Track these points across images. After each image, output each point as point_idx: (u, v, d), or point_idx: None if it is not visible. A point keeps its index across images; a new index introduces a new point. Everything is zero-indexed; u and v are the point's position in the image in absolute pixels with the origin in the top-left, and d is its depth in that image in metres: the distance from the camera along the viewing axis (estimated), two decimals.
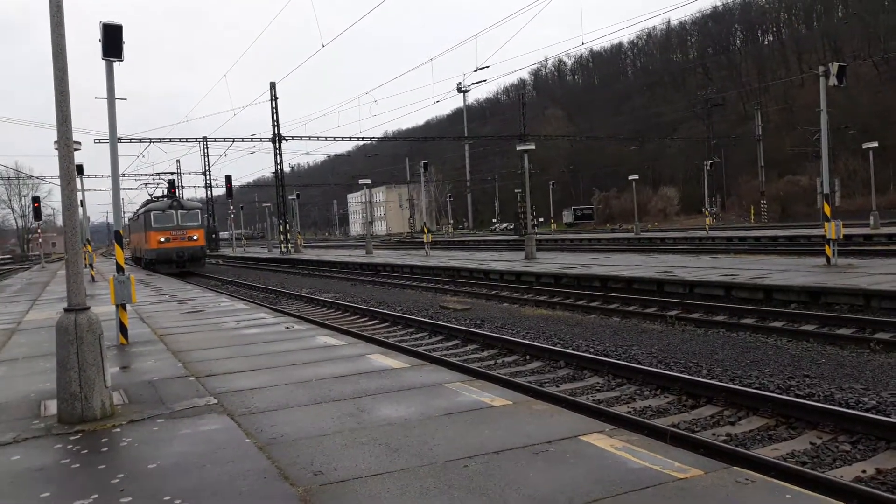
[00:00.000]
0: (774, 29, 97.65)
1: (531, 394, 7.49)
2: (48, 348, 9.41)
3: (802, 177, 65.06)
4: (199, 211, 39.20)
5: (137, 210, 46.18)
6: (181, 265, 36.16)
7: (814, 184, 54.56)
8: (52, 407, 6.54)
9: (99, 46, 10.07)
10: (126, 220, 46.34)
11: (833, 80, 18.29)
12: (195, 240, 37.16)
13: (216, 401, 6.75)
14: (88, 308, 6.36)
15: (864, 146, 38.56)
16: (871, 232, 31.90)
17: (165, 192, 41.89)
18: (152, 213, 36.98)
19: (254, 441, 5.35)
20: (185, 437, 5.59)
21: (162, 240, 36.37)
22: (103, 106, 10.97)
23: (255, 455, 5.02)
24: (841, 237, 18.45)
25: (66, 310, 6.30)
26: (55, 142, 6.85)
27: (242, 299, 20.17)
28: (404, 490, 4.21)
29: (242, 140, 57.22)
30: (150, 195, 44.12)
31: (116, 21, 10.27)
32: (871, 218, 35.68)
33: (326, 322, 15.31)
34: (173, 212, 36.92)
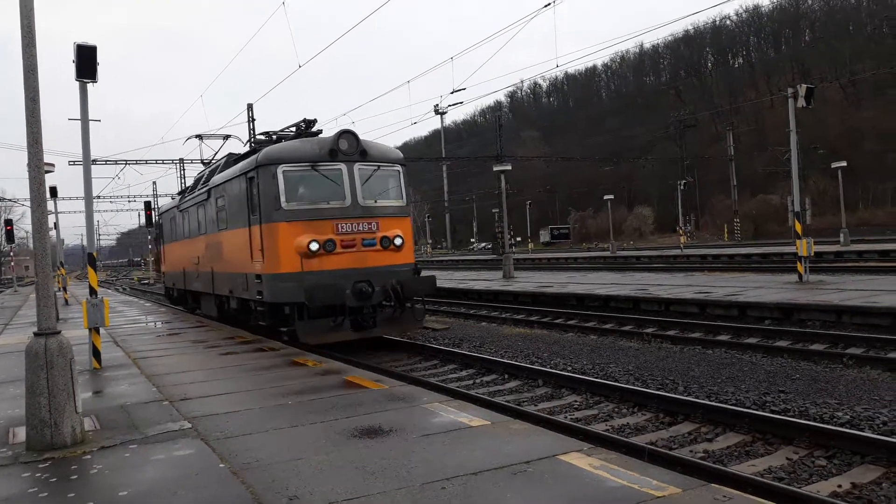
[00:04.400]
0: (744, 52, 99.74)
1: (510, 413, 7.46)
2: (18, 373, 9.21)
3: (774, 196, 66.13)
4: (398, 170, 13.60)
5: (204, 175, 18.51)
6: (365, 320, 12.71)
7: (785, 202, 55.44)
8: (21, 434, 6.38)
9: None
10: (157, 216, 28.02)
11: (801, 102, 18.69)
12: (396, 247, 12.94)
13: (190, 425, 6.63)
14: (59, 332, 6.24)
15: (833, 165, 39.41)
16: (842, 249, 32.45)
17: (300, 124, 14.43)
18: (280, 173, 12.40)
19: (228, 466, 5.26)
20: (158, 462, 5.48)
21: (311, 246, 12.10)
22: (78, 127, 10.86)
23: (229, 480, 4.93)
24: (812, 254, 18.74)
25: (35, 334, 6.18)
26: (27, 164, 6.76)
27: (219, 321, 19.91)
28: None
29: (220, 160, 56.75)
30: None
31: (91, 43, 10.23)
32: (841, 235, 36.33)
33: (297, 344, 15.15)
34: (341, 168, 12.72)
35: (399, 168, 13.42)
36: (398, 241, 12.81)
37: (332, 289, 11.67)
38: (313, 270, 11.93)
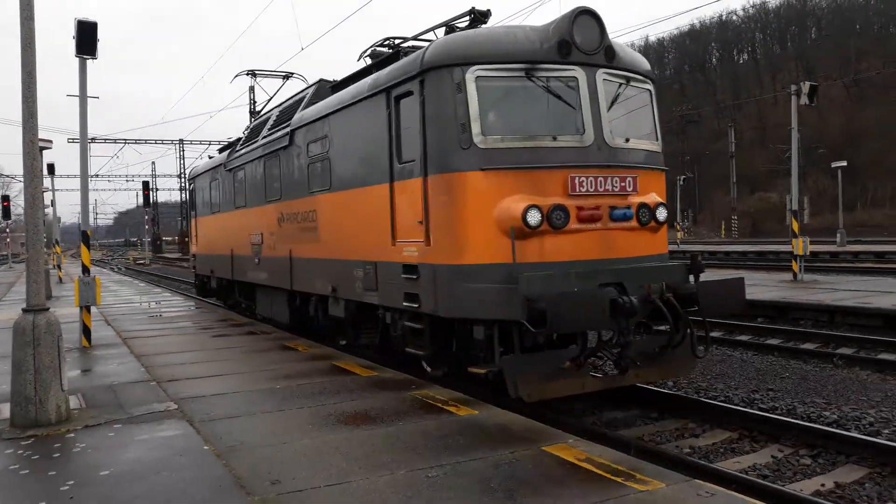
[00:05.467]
0: (750, 48, 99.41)
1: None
2: (5, 350, 9.19)
3: (773, 194, 66.08)
4: (650, 90, 7.84)
5: (271, 116, 13.19)
6: (611, 355, 7.38)
7: (784, 201, 55.48)
8: (6, 410, 6.36)
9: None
10: (188, 180, 20.62)
11: (805, 99, 18.63)
12: (658, 223, 7.46)
13: (176, 406, 6.62)
14: (47, 309, 6.22)
15: (833, 165, 39.37)
16: (838, 249, 32.46)
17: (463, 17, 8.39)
18: (472, 81, 6.79)
19: (212, 448, 5.25)
20: (142, 443, 5.47)
21: (528, 217, 6.50)
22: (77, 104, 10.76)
23: (212, 463, 4.92)
24: (808, 253, 18.72)
25: (24, 310, 6.15)
26: (22, 139, 6.71)
27: (211, 304, 19.89)
28: (365, 501, 4.15)
29: (219, 142, 56.71)
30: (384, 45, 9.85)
31: (92, 19, 10.15)
32: (838, 235, 36.34)
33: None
34: (578, 75, 7.00)
35: (651, 87, 7.87)
36: (661, 214, 7.40)
37: (588, 301, 6.17)
38: (532, 262, 6.54)
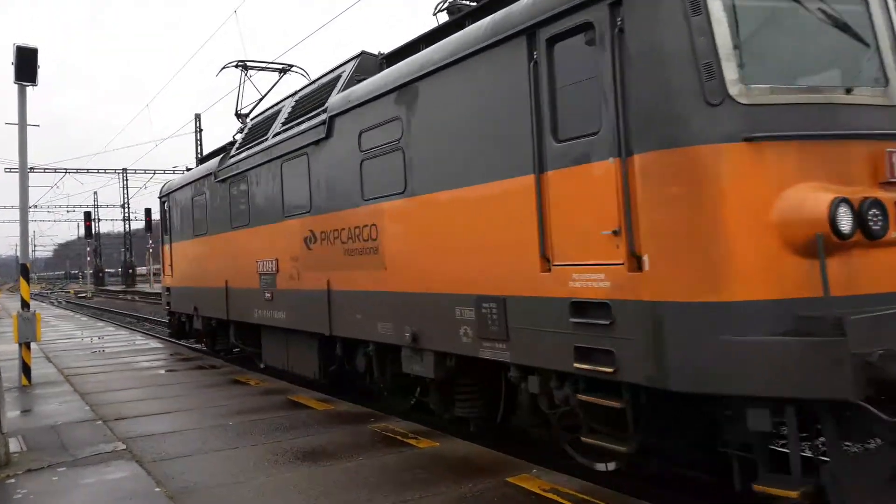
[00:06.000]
0: None
1: None
2: None
3: None
4: None
5: (282, 109, 10.31)
6: None
7: None
8: None
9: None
10: (161, 197, 15.93)
11: None
12: None
13: (125, 446, 6.34)
14: None
15: None
16: None
17: None
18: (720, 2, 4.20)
19: (164, 490, 5.03)
20: (88, 486, 5.20)
21: (839, 220, 3.99)
22: (15, 132, 10.41)
23: None
24: None
25: None
26: None
27: (158, 337, 19.32)
28: None
29: (164, 172, 55.72)
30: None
31: (32, 45, 9.90)
32: None
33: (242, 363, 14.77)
34: None
35: None
36: None
37: None
38: (840, 295, 4.01)
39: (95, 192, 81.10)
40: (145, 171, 57.33)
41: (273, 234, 9.71)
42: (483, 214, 5.72)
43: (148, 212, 57.06)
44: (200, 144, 50.84)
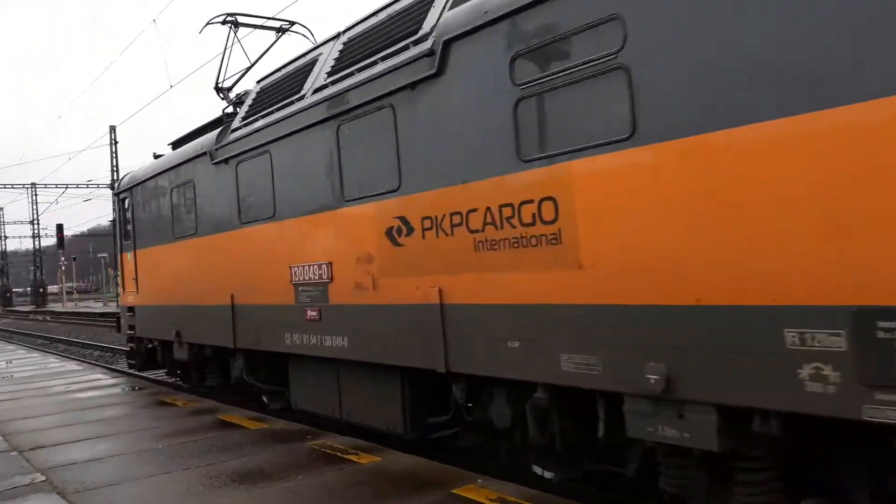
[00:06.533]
0: None
1: None
2: None
3: None
4: None
5: (321, 60, 7.59)
6: None
7: None
8: None
9: None
10: (118, 193, 12.74)
11: None
12: None
13: (44, 477, 5.95)
14: None
15: None
16: None
17: None
18: None
19: None
20: None
21: None
22: None
23: None
24: None
25: None
26: None
27: (74, 359, 18.39)
28: None
29: (77, 186, 53.42)
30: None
31: None
32: None
33: (171, 382, 14.22)
34: None
35: None
36: None
37: None
38: None
39: (1, 209, 77.00)
40: (56, 186, 54.54)
41: (322, 228, 7.00)
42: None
43: (60, 227, 54.61)
44: (116, 157, 48.97)
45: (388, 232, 6.05)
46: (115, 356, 21.10)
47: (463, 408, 5.89)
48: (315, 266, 7.09)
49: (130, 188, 11.99)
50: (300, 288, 7.31)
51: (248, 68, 10.25)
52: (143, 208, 11.51)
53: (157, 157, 11.69)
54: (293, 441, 6.71)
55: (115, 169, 48.77)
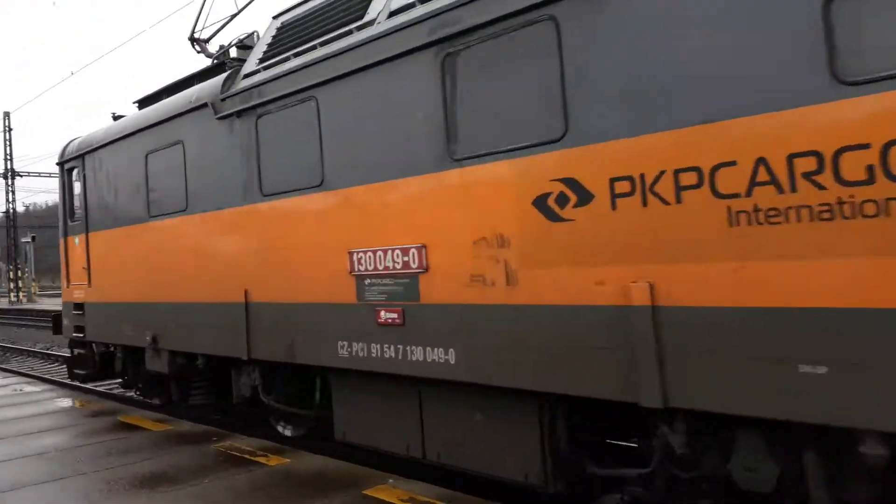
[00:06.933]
0: None
1: None
2: None
3: None
4: None
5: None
6: None
7: None
8: None
9: None
10: (64, 160, 10.02)
11: None
12: None
13: None
14: None
15: None
16: None
17: None
18: None
19: None
20: None
21: None
22: None
23: None
24: None
25: None
26: None
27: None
28: None
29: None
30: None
31: None
32: None
33: (67, 381, 13.49)
34: None
35: None
36: None
37: None
38: None
39: None
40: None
41: (411, 199, 5.17)
42: None
43: None
44: (10, 145, 46.11)
45: (541, 201, 4.30)
46: (6, 354, 19.86)
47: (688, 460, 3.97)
48: (397, 251, 5.25)
49: (82, 156, 9.56)
50: (367, 281, 5.47)
51: (234, 15, 8.57)
52: (100, 181, 9.18)
53: (116, 118, 9.71)
54: (199, 443, 6.50)
55: (8, 157, 45.89)
